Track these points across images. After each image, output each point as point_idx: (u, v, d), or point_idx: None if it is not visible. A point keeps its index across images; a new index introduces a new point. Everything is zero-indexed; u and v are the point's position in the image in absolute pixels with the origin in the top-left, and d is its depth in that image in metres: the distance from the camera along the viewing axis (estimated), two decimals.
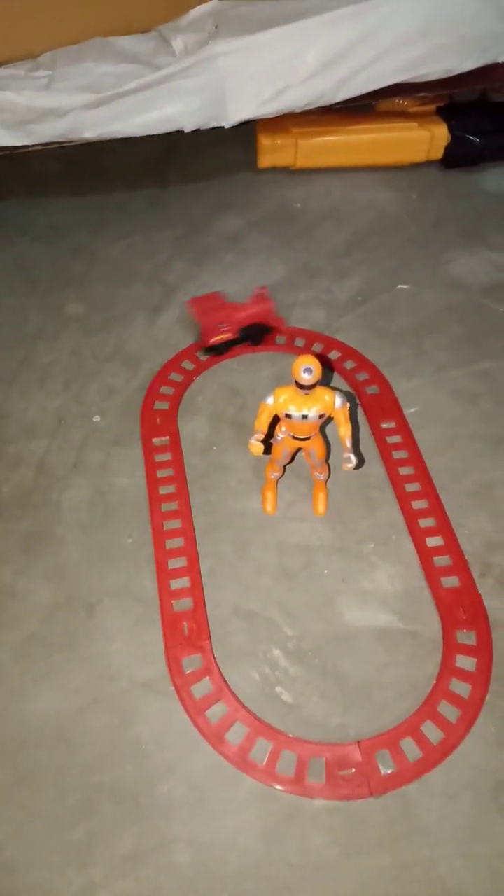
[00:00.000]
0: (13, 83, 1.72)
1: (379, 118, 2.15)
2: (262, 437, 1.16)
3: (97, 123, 1.70)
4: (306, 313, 1.75)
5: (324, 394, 1.12)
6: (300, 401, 1.13)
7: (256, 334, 1.62)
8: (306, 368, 1.06)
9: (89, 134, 1.72)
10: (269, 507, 1.38)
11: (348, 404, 1.14)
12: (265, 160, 2.14)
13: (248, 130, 2.17)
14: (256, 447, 1.17)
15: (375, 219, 2.02)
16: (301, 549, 1.33)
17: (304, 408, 1.13)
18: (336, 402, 1.13)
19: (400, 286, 1.82)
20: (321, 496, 1.38)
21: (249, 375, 1.62)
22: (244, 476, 1.44)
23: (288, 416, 1.14)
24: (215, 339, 1.57)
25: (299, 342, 1.68)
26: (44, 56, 1.80)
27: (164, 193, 2.14)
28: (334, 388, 1.14)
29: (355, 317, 1.74)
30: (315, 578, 1.29)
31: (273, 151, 2.11)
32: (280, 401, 1.14)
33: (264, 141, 2.09)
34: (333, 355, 1.65)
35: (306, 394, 1.10)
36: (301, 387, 1.08)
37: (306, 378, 1.06)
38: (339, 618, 1.24)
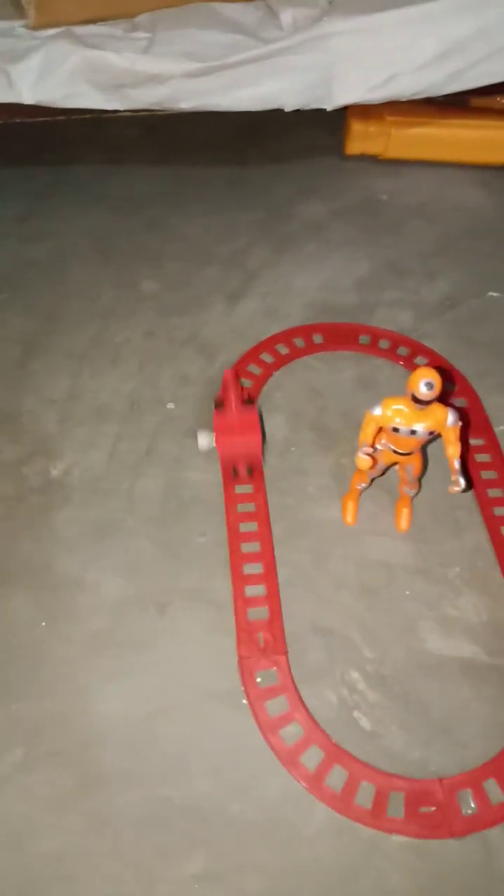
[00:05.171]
0: (111, 43, 1.62)
1: (475, 114, 2.04)
2: (369, 450, 1.09)
3: (197, 94, 1.61)
4: (392, 314, 1.67)
5: (437, 410, 1.05)
6: (410, 415, 1.05)
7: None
8: (427, 382, 0.98)
9: (186, 104, 1.63)
10: (349, 518, 1.32)
11: (460, 423, 1.07)
12: (354, 147, 2.03)
13: (333, 113, 2.07)
14: (364, 461, 1.10)
15: (466, 219, 1.93)
16: (382, 566, 1.26)
17: (413, 422, 1.06)
18: (448, 420, 1.06)
19: (491, 293, 1.73)
20: (405, 511, 1.31)
21: (331, 376, 1.54)
22: (323, 482, 1.37)
23: (395, 429, 1.07)
24: None
25: (384, 344, 1.60)
26: (142, 17, 1.69)
27: (245, 172, 2.05)
28: (448, 405, 1.07)
29: (443, 322, 1.66)
30: (396, 599, 1.23)
31: (364, 138, 2.00)
32: (388, 413, 1.06)
33: (356, 126, 1.99)
34: (419, 361, 1.57)
35: (421, 409, 1.04)
36: (417, 401, 1.01)
37: (426, 393, 0.99)
38: (421, 644, 1.18)
